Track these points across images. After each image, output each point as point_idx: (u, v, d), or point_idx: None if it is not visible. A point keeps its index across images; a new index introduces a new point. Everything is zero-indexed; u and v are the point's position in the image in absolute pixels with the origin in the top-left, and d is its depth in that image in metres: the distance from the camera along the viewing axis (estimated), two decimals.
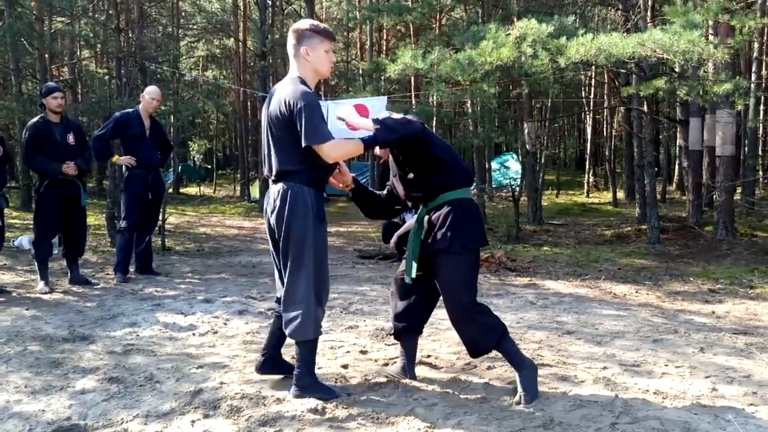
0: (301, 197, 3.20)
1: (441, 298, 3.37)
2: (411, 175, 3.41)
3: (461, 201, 3.34)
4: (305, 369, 3.25)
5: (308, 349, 3.26)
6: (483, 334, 3.28)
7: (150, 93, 6.72)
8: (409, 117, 3.34)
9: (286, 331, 3.25)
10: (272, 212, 3.25)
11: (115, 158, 6.81)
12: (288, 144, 3.19)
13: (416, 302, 3.53)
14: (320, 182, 3.34)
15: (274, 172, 3.27)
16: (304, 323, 3.18)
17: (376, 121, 3.21)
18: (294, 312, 3.20)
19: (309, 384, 3.25)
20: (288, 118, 3.14)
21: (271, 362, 3.53)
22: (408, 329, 3.55)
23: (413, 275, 3.38)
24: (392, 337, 3.64)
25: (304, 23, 3.34)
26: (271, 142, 3.27)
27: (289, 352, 4.05)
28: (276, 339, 3.51)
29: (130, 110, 6.84)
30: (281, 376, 3.51)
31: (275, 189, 3.26)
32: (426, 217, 3.38)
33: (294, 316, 3.20)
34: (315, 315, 3.21)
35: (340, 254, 9.00)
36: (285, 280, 3.25)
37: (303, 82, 3.24)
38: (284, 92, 3.19)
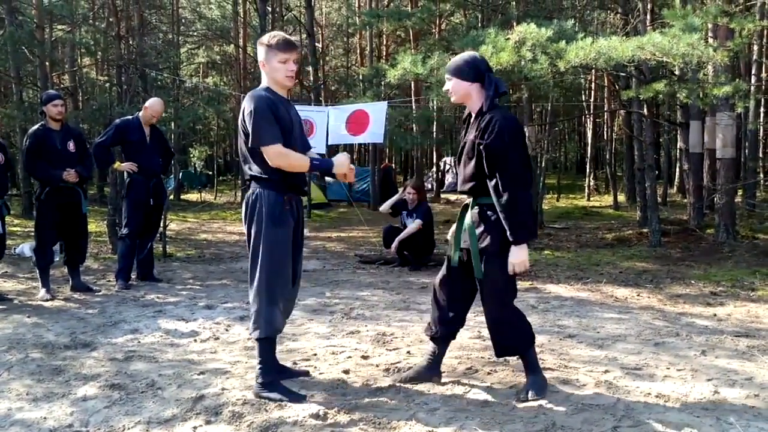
0: (259, 201, 3.35)
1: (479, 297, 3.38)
2: (471, 166, 3.29)
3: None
4: (261, 367, 3.35)
5: (262, 348, 3.35)
6: (518, 337, 3.33)
7: (152, 107, 6.70)
8: (525, 180, 3.21)
9: (251, 333, 3.39)
10: (243, 214, 3.46)
11: (117, 164, 6.82)
12: (250, 150, 3.37)
13: (460, 306, 3.54)
14: (283, 186, 3.38)
15: (245, 176, 3.49)
16: (256, 322, 3.32)
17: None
18: (251, 310, 3.36)
19: (268, 383, 3.32)
20: (244, 124, 3.33)
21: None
22: (451, 334, 3.59)
23: (456, 261, 3.41)
24: (431, 339, 3.62)
25: (263, 38, 3.48)
26: (240, 145, 3.47)
27: (291, 357, 4.06)
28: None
29: (130, 117, 6.86)
30: (284, 380, 3.50)
31: (247, 192, 3.45)
32: (477, 210, 3.33)
33: (251, 315, 3.36)
34: (266, 315, 3.30)
35: (341, 259, 9.00)
36: (248, 279, 3.43)
37: (269, 90, 3.41)
38: (247, 100, 3.38)
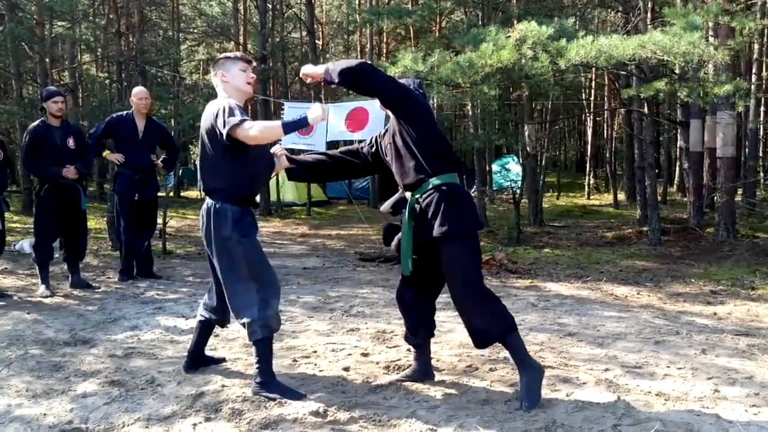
0: (222, 214, 3.35)
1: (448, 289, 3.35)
2: (401, 159, 3.38)
3: (450, 186, 3.31)
4: (260, 367, 3.35)
5: (260, 348, 3.37)
6: (491, 319, 3.21)
7: (136, 94, 6.72)
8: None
9: (249, 338, 3.38)
10: (201, 228, 3.47)
11: (106, 153, 6.80)
12: (214, 160, 3.37)
13: (430, 306, 3.54)
14: (244, 198, 3.43)
15: (203, 189, 3.48)
16: (253, 326, 3.31)
17: (326, 70, 3.27)
18: (244, 319, 3.34)
19: (266, 381, 3.33)
20: (211, 128, 3.31)
21: (197, 358, 3.77)
22: (426, 336, 3.58)
23: (410, 268, 3.37)
24: (413, 347, 3.63)
25: (220, 55, 3.64)
26: (198, 159, 3.47)
27: (290, 354, 4.05)
28: (201, 339, 3.78)
29: (125, 112, 6.86)
30: (283, 378, 3.50)
31: (204, 206, 3.44)
32: (416, 206, 3.34)
33: (243, 323, 3.35)
34: (262, 318, 3.32)
35: (340, 257, 9.00)
36: (225, 293, 3.43)
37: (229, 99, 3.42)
38: (208, 109, 3.38)
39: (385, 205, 6.74)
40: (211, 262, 3.49)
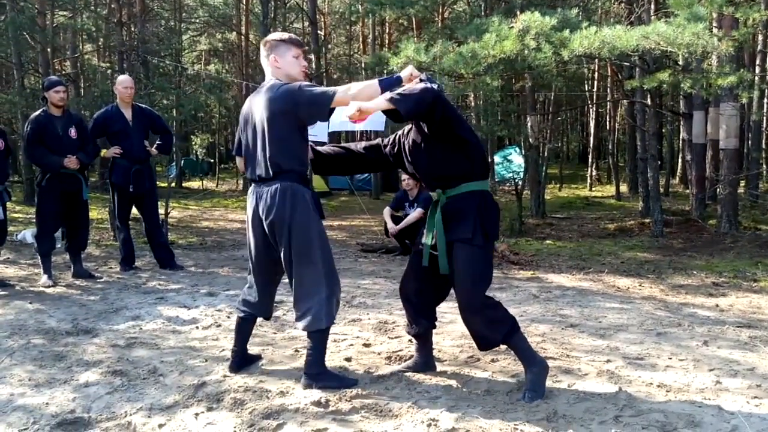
0: (300, 194, 3.29)
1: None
2: (436, 157, 3.32)
3: (484, 193, 3.33)
4: (316, 358, 3.31)
5: (320, 339, 3.32)
6: (491, 327, 3.24)
7: (121, 83, 6.68)
8: (421, 85, 3.18)
9: (300, 325, 3.32)
10: (269, 211, 3.28)
11: (103, 152, 6.79)
12: (288, 143, 3.27)
13: (430, 299, 3.54)
14: (308, 181, 3.42)
15: (268, 172, 3.30)
16: (318, 314, 3.25)
17: (391, 99, 3.07)
18: (307, 305, 3.27)
19: (319, 372, 3.30)
20: (290, 109, 3.21)
21: (244, 358, 3.64)
22: (428, 327, 3.58)
23: (426, 262, 3.36)
24: (414, 337, 3.62)
25: (273, 35, 3.50)
26: (266, 142, 3.29)
27: (292, 345, 4.06)
28: (244, 337, 3.62)
29: (109, 106, 6.81)
30: (286, 368, 3.51)
31: (270, 189, 3.29)
32: (446, 203, 3.32)
33: (307, 309, 3.27)
34: (327, 305, 3.27)
35: (342, 248, 9.00)
36: (293, 277, 3.32)
37: None
38: (273, 93, 3.27)
39: (394, 229, 6.61)
40: (268, 250, 3.39)
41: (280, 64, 3.38)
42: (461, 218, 3.25)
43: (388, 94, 3.09)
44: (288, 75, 3.38)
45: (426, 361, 3.59)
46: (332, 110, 3.26)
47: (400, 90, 3.12)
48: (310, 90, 3.21)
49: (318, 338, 3.31)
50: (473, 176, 3.31)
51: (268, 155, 3.28)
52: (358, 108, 3.03)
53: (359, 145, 3.76)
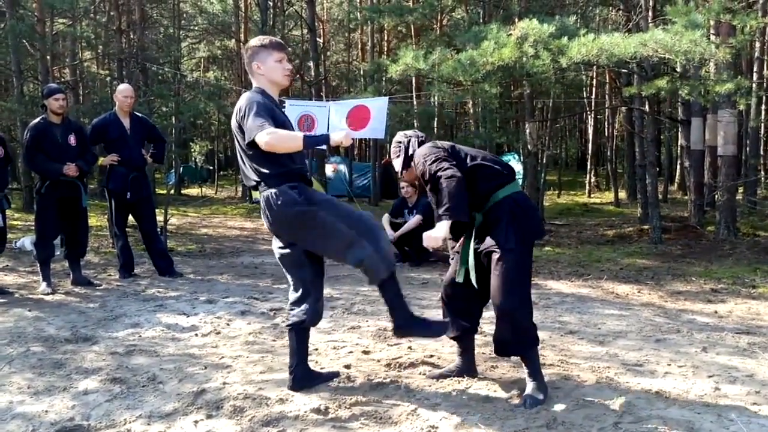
0: (283, 193, 3.25)
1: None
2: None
3: (513, 196, 3.33)
4: (403, 304, 3.27)
5: (395, 284, 3.26)
6: (516, 336, 3.25)
7: (122, 92, 6.71)
8: (448, 174, 3.20)
9: (373, 280, 3.23)
10: (269, 222, 3.34)
11: (101, 160, 6.81)
12: (258, 150, 3.22)
13: (474, 303, 3.54)
14: (293, 177, 3.31)
15: (251, 182, 3.35)
16: (373, 262, 3.17)
17: (448, 217, 3.12)
18: (358, 256, 3.18)
19: (408, 321, 3.27)
20: (241, 123, 3.25)
21: (306, 373, 3.47)
22: (469, 330, 3.58)
23: (461, 279, 3.40)
24: (454, 339, 3.62)
25: (253, 41, 3.45)
26: (241, 153, 3.34)
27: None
28: (303, 347, 3.48)
29: (107, 114, 6.83)
30: (285, 375, 3.51)
31: (262, 198, 3.33)
32: (481, 222, 3.37)
33: (359, 260, 3.19)
34: (374, 251, 3.17)
35: None
36: (327, 256, 3.41)
37: (262, 92, 3.35)
38: (238, 104, 3.31)
39: (393, 236, 6.64)
40: (293, 249, 3.37)
41: (263, 70, 3.36)
42: (494, 227, 3.28)
43: (443, 220, 3.14)
44: (271, 80, 3.38)
45: (468, 367, 3.59)
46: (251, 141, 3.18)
47: (442, 208, 3.15)
48: (252, 115, 3.16)
49: (391, 284, 3.24)
50: (497, 187, 3.33)
51: (247, 165, 3.34)
52: (430, 238, 3.17)
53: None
